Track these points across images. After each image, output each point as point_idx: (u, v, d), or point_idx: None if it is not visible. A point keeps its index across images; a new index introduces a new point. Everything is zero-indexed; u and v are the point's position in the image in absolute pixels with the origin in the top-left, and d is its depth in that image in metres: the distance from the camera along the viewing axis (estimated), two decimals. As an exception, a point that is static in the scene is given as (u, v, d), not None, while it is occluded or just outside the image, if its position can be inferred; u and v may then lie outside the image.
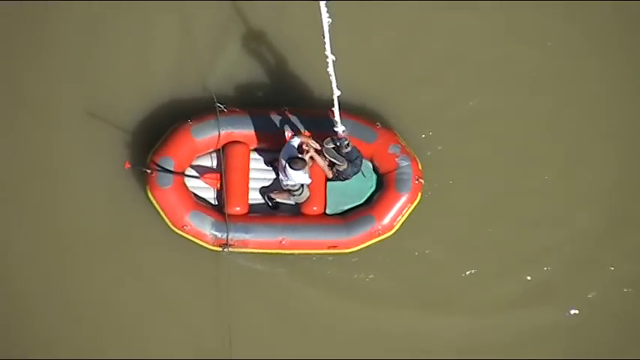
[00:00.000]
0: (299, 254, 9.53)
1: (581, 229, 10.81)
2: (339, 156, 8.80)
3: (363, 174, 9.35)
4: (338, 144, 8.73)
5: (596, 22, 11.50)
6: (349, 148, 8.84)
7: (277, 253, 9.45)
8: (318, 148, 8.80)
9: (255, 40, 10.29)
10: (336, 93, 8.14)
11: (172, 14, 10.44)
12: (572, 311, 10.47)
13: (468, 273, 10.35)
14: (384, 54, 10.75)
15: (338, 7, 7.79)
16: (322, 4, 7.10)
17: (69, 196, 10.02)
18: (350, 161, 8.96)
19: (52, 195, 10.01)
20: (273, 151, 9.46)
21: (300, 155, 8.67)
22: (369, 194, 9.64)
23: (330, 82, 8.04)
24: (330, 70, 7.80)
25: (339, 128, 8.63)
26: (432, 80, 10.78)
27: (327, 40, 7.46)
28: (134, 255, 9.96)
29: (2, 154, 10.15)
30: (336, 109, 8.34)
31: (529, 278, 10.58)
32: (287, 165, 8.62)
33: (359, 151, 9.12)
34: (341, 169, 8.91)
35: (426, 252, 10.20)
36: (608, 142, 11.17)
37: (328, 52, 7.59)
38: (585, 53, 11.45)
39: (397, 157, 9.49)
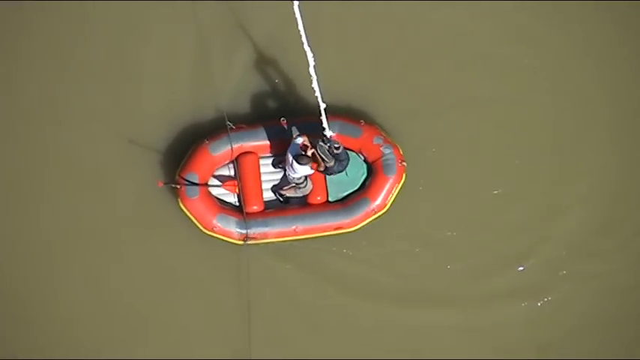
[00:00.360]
0: (311, 238, 11.40)
1: (566, 224, 12.33)
2: (329, 155, 10.60)
3: (346, 173, 11.10)
4: (329, 145, 10.55)
5: (580, 19, 12.93)
6: (339, 150, 10.64)
7: (293, 240, 11.32)
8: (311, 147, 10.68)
9: (255, 65, 12.10)
10: (322, 105, 9.89)
11: (188, 46, 12.25)
12: (546, 298, 12.19)
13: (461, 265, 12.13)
14: (366, 56, 12.44)
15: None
16: (296, 4, 8.56)
17: (105, 205, 11.86)
18: (338, 160, 10.76)
19: (92, 203, 11.88)
20: (277, 155, 11.34)
21: (303, 152, 10.53)
22: (362, 181, 11.47)
23: (314, 90, 9.67)
24: (313, 73, 9.37)
25: (327, 132, 10.44)
26: (415, 76, 12.44)
27: (305, 41, 8.94)
28: (165, 255, 11.81)
29: (52, 171, 12.05)
30: (323, 116, 10.16)
31: (521, 269, 12.24)
32: (294, 161, 10.48)
33: (347, 154, 10.91)
34: (328, 165, 10.64)
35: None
36: (595, 137, 12.56)
37: (309, 55, 9.11)
38: (573, 48, 12.87)
39: (381, 146, 11.32)
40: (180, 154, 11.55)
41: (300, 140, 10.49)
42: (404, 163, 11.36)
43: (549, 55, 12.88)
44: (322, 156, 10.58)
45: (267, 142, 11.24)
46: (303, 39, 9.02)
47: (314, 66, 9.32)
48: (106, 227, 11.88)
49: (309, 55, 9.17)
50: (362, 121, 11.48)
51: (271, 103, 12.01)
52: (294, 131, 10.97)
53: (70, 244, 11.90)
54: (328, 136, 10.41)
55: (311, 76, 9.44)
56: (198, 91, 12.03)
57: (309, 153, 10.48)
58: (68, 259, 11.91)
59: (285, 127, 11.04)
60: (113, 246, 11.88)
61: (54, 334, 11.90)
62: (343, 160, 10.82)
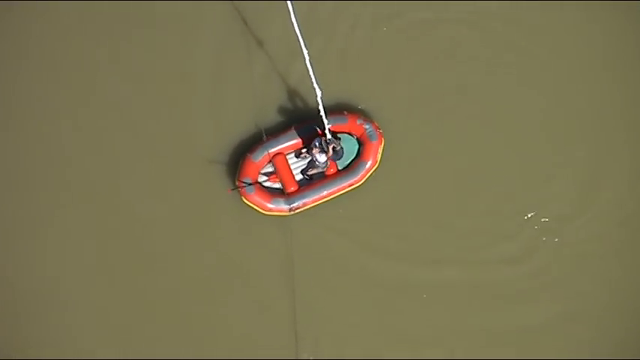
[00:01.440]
0: (338, 197, 16.61)
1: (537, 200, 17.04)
2: (330, 148, 16.05)
3: (337, 165, 16.58)
4: (333, 143, 16.01)
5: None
6: (339, 147, 16.17)
7: (324, 202, 16.58)
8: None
9: (273, 85, 17.38)
10: (319, 93, 14.79)
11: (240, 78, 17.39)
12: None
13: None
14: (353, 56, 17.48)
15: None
16: (289, 4, 12.63)
17: (181, 216, 17.01)
18: (334, 152, 16.20)
19: (159, 209, 17.05)
20: (296, 150, 16.61)
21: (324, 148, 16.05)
22: (356, 151, 16.80)
23: (312, 82, 14.43)
24: (309, 68, 14.09)
25: (326, 122, 15.69)
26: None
27: (300, 39, 13.29)
28: (227, 241, 16.88)
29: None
30: (321, 107, 15.21)
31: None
32: (320, 154, 15.98)
33: (343, 149, 16.32)
34: (335, 151, 16.27)
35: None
36: (575, 123, 17.34)
37: (304, 51, 13.56)
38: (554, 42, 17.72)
39: (363, 124, 16.60)
40: (232, 166, 16.84)
41: (317, 141, 16.12)
42: (380, 131, 16.68)
43: (529, 53, 17.78)
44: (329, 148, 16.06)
45: (289, 144, 16.55)
46: (299, 37, 13.32)
47: (310, 63, 13.85)
48: (185, 227, 16.97)
49: (305, 53, 13.69)
50: (345, 111, 16.77)
51: (288, 113, 17.24)
52: (304, 136, 16.49)
53: (158, 241, 16.93)
54: (329, 137, 15.86)
55: (310, 74, 14.10)
56: (237, 115, 17.18)
57: (330, 147, 15.98)
58: (151, 246, 16.83)
59: (266, 141, 16.34)
60: (195, 241, 16.92)
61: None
62: (339, 152, 16.36)
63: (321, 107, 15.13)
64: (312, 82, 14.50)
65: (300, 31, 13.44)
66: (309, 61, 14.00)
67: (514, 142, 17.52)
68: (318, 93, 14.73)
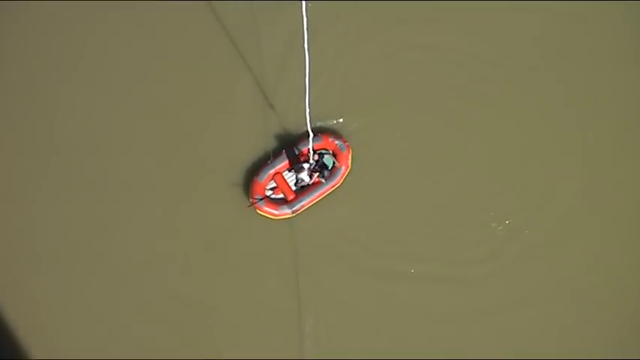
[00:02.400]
0: (323, 199, 22.56)
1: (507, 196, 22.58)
2: (316, 174, 22.17)
3: (323, 177, 22.52)
4: (314, 165, 22.05)
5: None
6: (324, 169, 22.27)
7: (315, 203, 22.46)
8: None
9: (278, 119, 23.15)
10: (311, 135, 20.98)
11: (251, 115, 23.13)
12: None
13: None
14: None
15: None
16: (303, 4, 14.65)
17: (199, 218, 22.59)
18: (322, 176, 22.24)
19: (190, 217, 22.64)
20: (289, 169, 22.44)
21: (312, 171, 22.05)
22: (332, 162, 22.69)
23: (307, 124, 20.86)
24: (307, 110, 20.57)
25: (311, 140, 21.51)
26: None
27: (306, 39, 16.13)
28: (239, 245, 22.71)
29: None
30: (310, 141, 21.32)
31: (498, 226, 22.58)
32: (309, 176, 21.96)
33: (325, 171, 22.32)
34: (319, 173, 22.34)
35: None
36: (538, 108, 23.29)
37: (306, 52, 16.66)
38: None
39: (334, 141, 22.54)
40: (245, 185, 22.66)
41: (306, 166, 22.10)
42: (347, 143, 22.60)
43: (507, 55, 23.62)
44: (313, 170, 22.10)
45: (282, 165, 22.35)
46: (305, 39, 16.31)
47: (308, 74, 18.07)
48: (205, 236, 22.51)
49: (307, 59, 17.08)
50: (319, 133, 22.66)
51: (280, 139, 22.89)
52: (296, 153, 22.32)
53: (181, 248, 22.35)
54: (315, 159, 21.99)
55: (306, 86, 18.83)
56: (246, 143, 22.84)
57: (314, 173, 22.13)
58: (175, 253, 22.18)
59: (267, 165, 22.22)
60: (214, 249, 22.41)
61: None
62: (321, 170, 22.37)
63: (310, 141, 21.29)
64: (307, 124, 20.35)
65: (309, 73, 17.86)
66: (309, 102, 19.26)
67: (485, 152, 23.16)
68: (311, 135, 20.77)
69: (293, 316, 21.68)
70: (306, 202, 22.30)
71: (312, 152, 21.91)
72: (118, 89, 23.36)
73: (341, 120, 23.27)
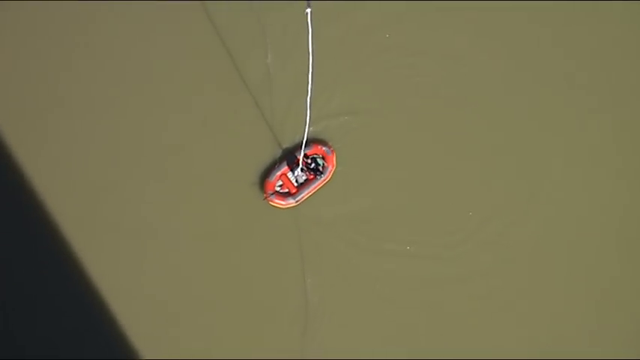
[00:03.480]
0: (318, 190, 30.70)
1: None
2: (309, 169, 30.29)
3: (316, 175, 30.77)
4: (309, 166, 30.20)
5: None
6: (320, 166, 30.34)
7: (312, 194, 30.52)
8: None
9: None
10: (304, 148, 29.28)
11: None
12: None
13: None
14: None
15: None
16: (308, 11, 17.84)
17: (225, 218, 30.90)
18: (319, 173, 30.34)
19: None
20: (291, 170, 30.59)
21: (308, 171, 30.18)
22: (322, 163, 30.88)
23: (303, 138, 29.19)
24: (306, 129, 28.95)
25: (303, 149, 29.74)
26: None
27: (311, 51, 21.10)
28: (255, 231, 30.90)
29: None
30: (302, 149, 29.54)
31: (471, 214, 30.30)
32: (305, 175, 30.11)
33: (321, 169, 30.43)
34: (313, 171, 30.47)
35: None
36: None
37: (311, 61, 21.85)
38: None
39: (322, 147, 30.71)
40: (260, 184, 30.68)
41: (303, 167, 30.18)
42: (332, 148, 30.75)
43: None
44: (309, 169, 30.28)
45: (285, 168, 30.46)
46: (310, 47, 21.27)
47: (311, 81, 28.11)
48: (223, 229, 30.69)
49: (310, 66, 22.96)
50: (310, 143, 30.75)
51: (284, 148, 30.83)
52: (296, 158, 30.43)
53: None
54: (309, 160, 30.14)
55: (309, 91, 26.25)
56: (258, 155, 30.95)
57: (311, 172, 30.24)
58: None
59: (275, 169, 30.43)
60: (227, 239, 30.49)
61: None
62: (315, 169, 30.45)
63: (302, 149, 29.40)
64: (302, 141, 28.53)
65: (311, 97, 25.59)
66: (309, 120, 27.17)
67: (457, 153, 30.83)
68: (303, 146, 28.94)
69: (299, 275, 29.82)
70: (305, 193, 30.39)
71: (302, 158, 29.97)
72: (149, 94, 30.87)
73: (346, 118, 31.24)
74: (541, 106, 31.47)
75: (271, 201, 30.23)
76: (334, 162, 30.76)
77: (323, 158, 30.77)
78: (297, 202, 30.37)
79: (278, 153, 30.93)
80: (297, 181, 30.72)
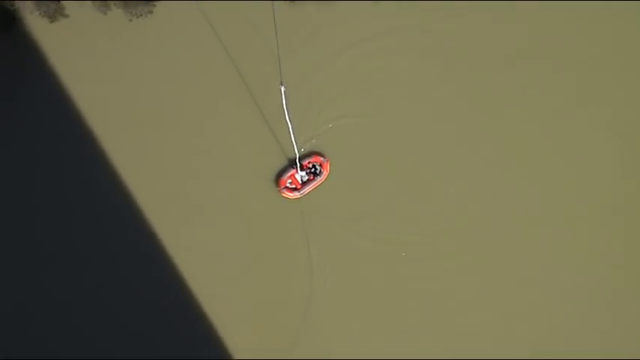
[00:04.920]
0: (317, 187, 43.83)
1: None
2: (311, 175, 43.53)
3: (315, 176, 43.99)
4: (308, 171, 43.49)
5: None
6: (317, 171, 43.57)
7: (313, 189, 43.63)
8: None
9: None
10: (297, 154, 42.57)
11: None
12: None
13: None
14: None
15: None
16: (282, 90, 40.88)
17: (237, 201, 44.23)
18: (317, 175, 43.50)
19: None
20: (299, 172, 43.81)
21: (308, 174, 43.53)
22: (320, 169, 44.05)
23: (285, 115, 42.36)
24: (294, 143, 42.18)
25: (297, 161, 42.94)
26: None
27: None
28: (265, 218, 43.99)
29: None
30: (297, 158, 42.75)
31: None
32: (305, 175, 43.43)
33: (318, 172, 43.61)
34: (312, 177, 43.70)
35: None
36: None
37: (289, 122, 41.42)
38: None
39: (319, 156, 43.78)
40: (275, 181, 43.85)
41: (306, 171, 43.46)
42: (327, 158, 43.86)
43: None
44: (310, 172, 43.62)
45: (293, 171, 43.62)
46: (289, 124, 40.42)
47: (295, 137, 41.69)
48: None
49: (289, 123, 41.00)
50: (312, 154, 43.92)
51: (293, 156, 44.14)
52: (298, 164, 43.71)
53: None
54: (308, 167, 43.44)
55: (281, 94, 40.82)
56: (275, 157, 44.31)
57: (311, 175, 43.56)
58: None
59: (280, 191, 43.70)
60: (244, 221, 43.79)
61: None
62: (314, 172, 43.71)
63: (297, 163, 42.55)
64: (293, 147, 41.70)
65: (289, 117, 40.27)
66: (294, 135, 40.65)
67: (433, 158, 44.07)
68: (296, 150, 41.99)
69: (303, 243, 42.77)
70: (307, 189, 43.51)
71: (298, 165, 42.80)
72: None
73: (331, 125, 43.77)
74: (531, 102, 42.89)
75: (283, 193, 43.42)
76: (328, 167, 43.91)
77: (320, 165, 43.91)
78: (301, 194, 43.46)
79: (289, 161, 44.00)
80: (301, 180, 43.83)
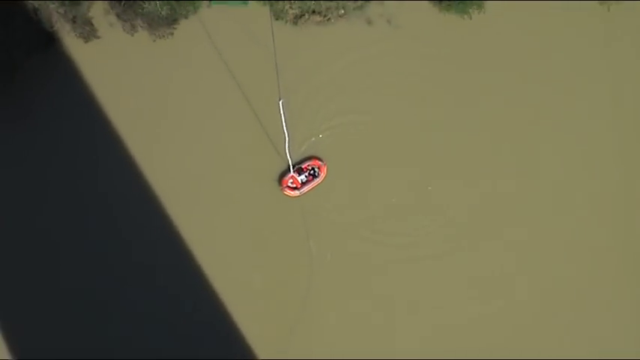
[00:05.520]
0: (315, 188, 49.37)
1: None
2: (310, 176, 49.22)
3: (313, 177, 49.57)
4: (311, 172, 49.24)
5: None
6: (315, 173, 49.28)
7: (312, 189, 49.13)
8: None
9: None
10: (290, 162, 48.30)
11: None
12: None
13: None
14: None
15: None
16: (280, 103, 46.69)
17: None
18: (315, 176, 49.12)
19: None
20: (298, 174, 49.47)
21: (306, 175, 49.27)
22: (317, 171, 49.69)
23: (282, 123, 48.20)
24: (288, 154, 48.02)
25: (291, 166, 48.74)
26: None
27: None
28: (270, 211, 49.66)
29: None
30: (291, 163, 48.56)
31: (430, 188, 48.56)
32: (304, 177, 49.18)
33: (315, 174, 49.29)
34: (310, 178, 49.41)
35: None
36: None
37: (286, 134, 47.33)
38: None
39: (317, 160, 49.39)
40: (278, 181, 49.47)
41: (305, 172, 49.24)
42: (325, 161, 49.49)
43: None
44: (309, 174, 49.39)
45: (294, 172, 49.22)
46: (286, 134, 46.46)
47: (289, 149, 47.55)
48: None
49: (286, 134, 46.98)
50: (311, 157, 49.60)
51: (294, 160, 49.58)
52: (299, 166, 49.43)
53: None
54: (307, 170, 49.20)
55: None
56: (279, 160, 49.91)
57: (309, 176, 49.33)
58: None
59: (288, 172, 49.48)
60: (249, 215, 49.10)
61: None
62: (312, 174, 49.38)
63: (291, 167, 48.33)
64: (286, 155, 47.58)
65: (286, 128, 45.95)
66: (289, 146, 46.44)
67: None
68: (290, 161, 47.71)
69: (303, 235, 48.13)
70: (306, 189, 49.05)
71: (292, 168, 48.43)
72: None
73: (320, 136, 49.41)
74: (533, 106, 46.77)
75: (285, 192, 49.10)
76: (325, 170, 49.56)
77: (318, 168, 49.59)
78: (301, 193, 49.00)
79: (290, 164, 49.55)
80: (301, 180, 49.46)
